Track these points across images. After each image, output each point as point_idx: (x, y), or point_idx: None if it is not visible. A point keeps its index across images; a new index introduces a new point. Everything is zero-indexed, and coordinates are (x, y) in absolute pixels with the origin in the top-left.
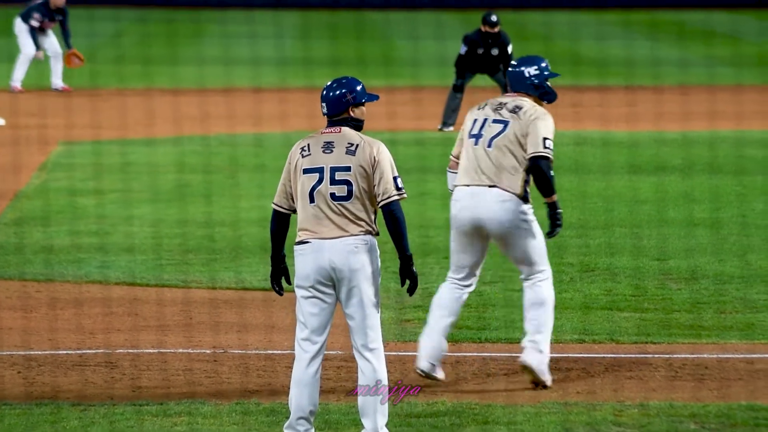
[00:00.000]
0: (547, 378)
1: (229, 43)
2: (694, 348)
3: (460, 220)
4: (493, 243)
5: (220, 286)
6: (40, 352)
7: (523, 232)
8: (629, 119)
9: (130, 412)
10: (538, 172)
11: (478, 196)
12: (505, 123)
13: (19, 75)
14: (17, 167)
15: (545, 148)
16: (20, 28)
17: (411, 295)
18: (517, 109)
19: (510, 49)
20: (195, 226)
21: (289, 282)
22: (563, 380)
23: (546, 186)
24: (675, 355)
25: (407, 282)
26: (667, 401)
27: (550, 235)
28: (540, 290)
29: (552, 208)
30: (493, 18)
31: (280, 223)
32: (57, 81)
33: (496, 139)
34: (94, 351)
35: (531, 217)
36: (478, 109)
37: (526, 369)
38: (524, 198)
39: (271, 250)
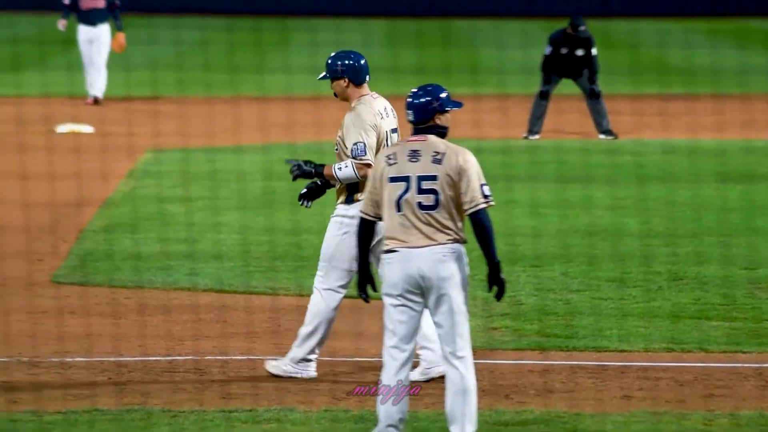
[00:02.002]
0: (283, 371)
1: (317, 52)
2: None
3: None
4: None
5: (307, 293)
6: (130, 359)
7: None
8: (717, 128)
9: (219, 418)
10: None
11: None
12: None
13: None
14: (105, 175)
15: None
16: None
17: (498, 300)
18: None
19: (594, 51)
20: (282, 234)
21: (375, 289)
22: (652, 389)
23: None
24: (765, 365)
25: (495, 288)
26: (758, 411)
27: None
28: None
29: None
30: (582, 27)
31: (367, 230)
32: (93, 90)
33: None
34: (183, 357)
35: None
36: (381, 118)
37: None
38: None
39: (357, 258)
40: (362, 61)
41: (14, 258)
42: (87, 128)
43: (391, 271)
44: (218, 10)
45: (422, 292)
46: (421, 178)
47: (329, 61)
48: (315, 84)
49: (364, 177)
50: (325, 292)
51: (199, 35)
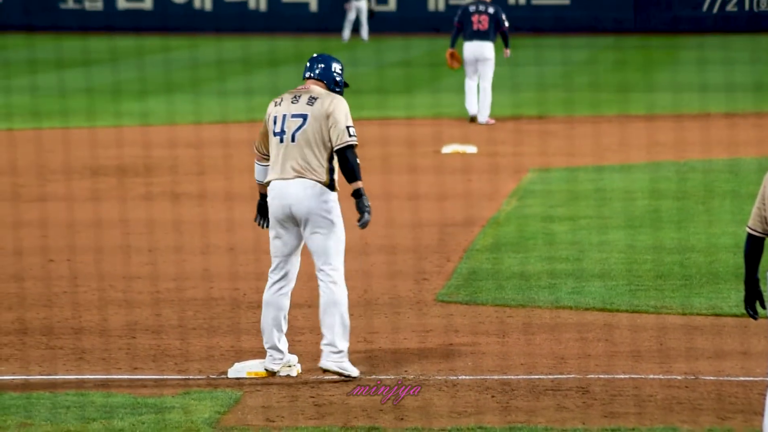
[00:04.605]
0: (351, 371)
1: (705, 69)
2: None
3: (274, 208)
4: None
5: (692, 312)
6: (514, 377)
7: (324, 221)
8: None
9: None
10: (345, 161)
11: (288, 187)
12: (304, 116)
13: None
14: (491, 194)
15: (350, 136)
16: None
17: None
18: (312, 100)
19: None
20: (666, 252)
21: (764, 306)
22: None
23: (351, 172)
24: None
25: None
26: None
27: (360, 222)
28: (334, 290)
29: (357, 195)
30: None
31: (754, 246)
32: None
33: (297, 133)
34: (566, 376)
35: (334, 207)
36: (275, 105)
37: (328, 371)
38: (330, 186)
39: (744, 274)
40: (308, 62)
41: (403, 277)
42: (471, 148)
43: None
44: (602, 30)
45: None
46: None
47: None
48: (702, 101)
49: (259, 161)
50: (342, 281)
51: (586, 54)
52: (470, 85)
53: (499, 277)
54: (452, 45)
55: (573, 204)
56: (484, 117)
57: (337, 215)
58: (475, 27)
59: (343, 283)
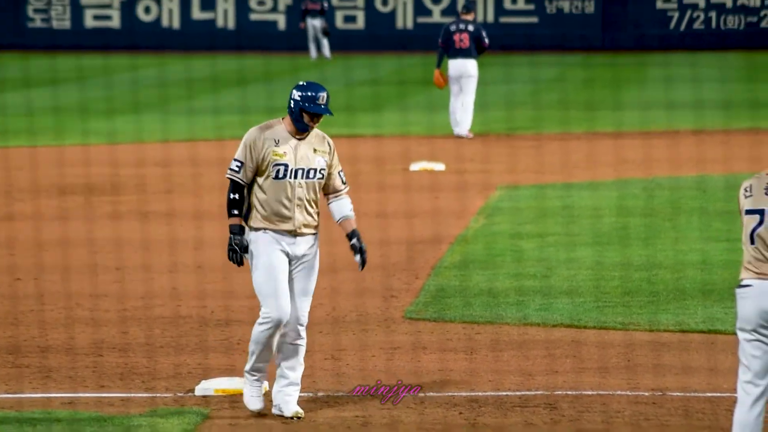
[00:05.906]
0: (252, 407)
1: (672, 86)
2: None
3: None
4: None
5: (659, 328)
6: (482, 394)
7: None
8: None
9: None
10: None
11: None
12: None
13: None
14: (459, 212)
15: (228, 170)
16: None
17: None
18: None
19: None
20: (633, 269)
21: None
22: None
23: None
24: None
25: None
26: None
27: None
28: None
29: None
30: None
31: None
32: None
33: None
34: (534, 392)
35: (253, 247)
36: None
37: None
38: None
39: None
40: None
41: (371, 295)
42: (439, 166)
43: (744, 305)
44: (575, 47)
45: None
46: None
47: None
48: (670, 119)
49: None
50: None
51: (554, 72)
52: (455, 105)
53: (467, 294)
54: (438, 65)
55: (541, 221)
56: (464, 130)
57: (250, 254)
58: (457, 45)
59: (258, 322)
